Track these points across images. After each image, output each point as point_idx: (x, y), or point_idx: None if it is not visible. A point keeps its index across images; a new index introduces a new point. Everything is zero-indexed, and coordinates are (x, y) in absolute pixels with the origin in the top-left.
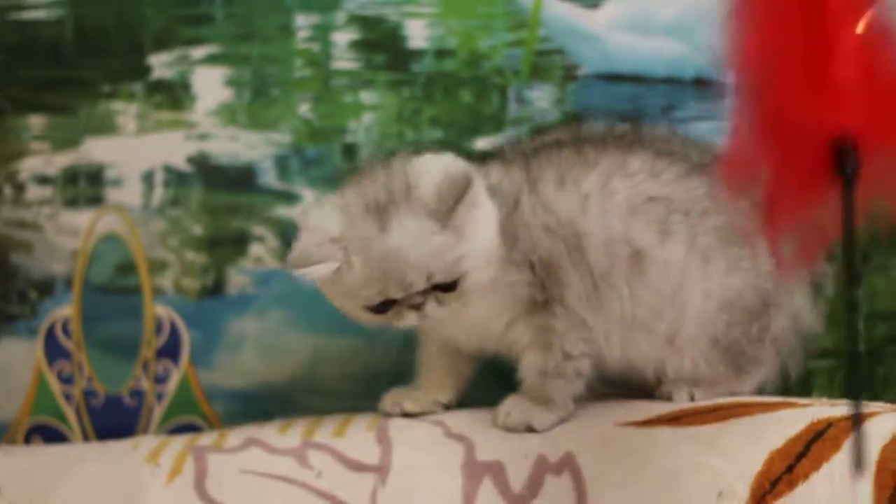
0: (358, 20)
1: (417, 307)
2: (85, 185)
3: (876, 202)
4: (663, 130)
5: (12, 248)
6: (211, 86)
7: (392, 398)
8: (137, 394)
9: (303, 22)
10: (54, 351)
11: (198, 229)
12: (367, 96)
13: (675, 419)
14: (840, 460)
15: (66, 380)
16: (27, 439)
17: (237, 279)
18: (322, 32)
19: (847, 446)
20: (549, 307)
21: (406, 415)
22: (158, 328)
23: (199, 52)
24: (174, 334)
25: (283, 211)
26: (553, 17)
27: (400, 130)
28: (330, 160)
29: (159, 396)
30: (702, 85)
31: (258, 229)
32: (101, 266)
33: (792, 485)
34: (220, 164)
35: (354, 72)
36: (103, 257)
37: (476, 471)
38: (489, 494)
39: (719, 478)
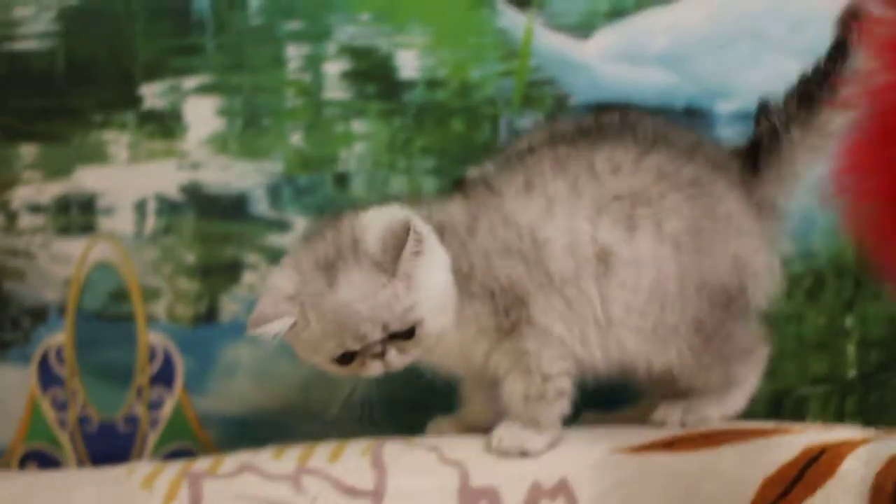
0: (349, 51)
1: (380, 356)
2: (77, 214)
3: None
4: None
5: (5, 277)
6: (203, 115)
7: (436, 425)
8: (132, 420)
9: (294, 52)
10: (48, 378)
11: (191, 257)
12: (358, 126)
13: (669, 445)
14: (835, 485)
15: (60, 406)
16: (22, 465)
17: (230, 307)
18: (313, 63)
19: (842, 472)
20: (517, 330)
21: None
22: (152, 355)
23: (190, 81)
24: (168, 361)
25: (275, 239)
26: (544, 48)
27: (391, 159)
28: (322, 189)
29: (153, 423)
30: (693, 114)
31: (251, 257)
32: (95, 294)
33: None
34: (213, 192)
35: (346, 102)
36: (96, 285)
37: (471, 497)
38: None
39: None
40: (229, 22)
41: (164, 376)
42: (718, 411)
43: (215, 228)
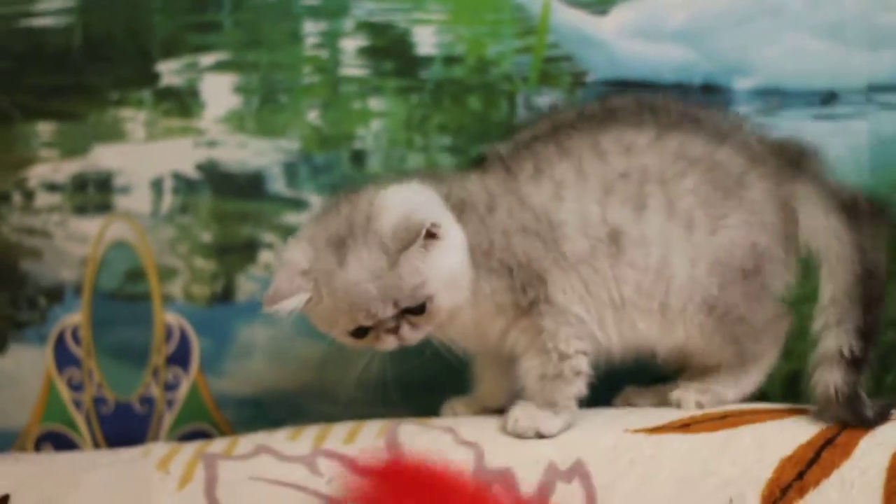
0: (366, 27)
1: (393, 331)
2: (94, 193)
3: None
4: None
5: (22, 256)
6: (219, 93)
7: (450, 405)
8: (147, 401)
9: (311, 29)
10: (64, 358)
11: (207, 236)
12: (375, 103)
13: (685, 426)
14: (850, 467)
15: (76, 387)
16: (37, 447)
17: (247, 286)
18: (330, 39)
19: (858, 453)
20: (535, 308)
21: None
22: (168, 335)
23: (207, 59)
24: (184, 341)
25: (292, 218)
26: (561, 24)
27: (408, 137)
28: (338, 167)
29: (169, 403)
30: (711, 91)
31: (267, 236)
32: (111, 273)
33: (802, 492)
34: (229, 171)
35: (363, 78)
36: (113, 264)
37: (486, 478)
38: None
39: (730, 485)
40: None
41: (180, 357)
42: (734, 392)
43: (232, 207)
